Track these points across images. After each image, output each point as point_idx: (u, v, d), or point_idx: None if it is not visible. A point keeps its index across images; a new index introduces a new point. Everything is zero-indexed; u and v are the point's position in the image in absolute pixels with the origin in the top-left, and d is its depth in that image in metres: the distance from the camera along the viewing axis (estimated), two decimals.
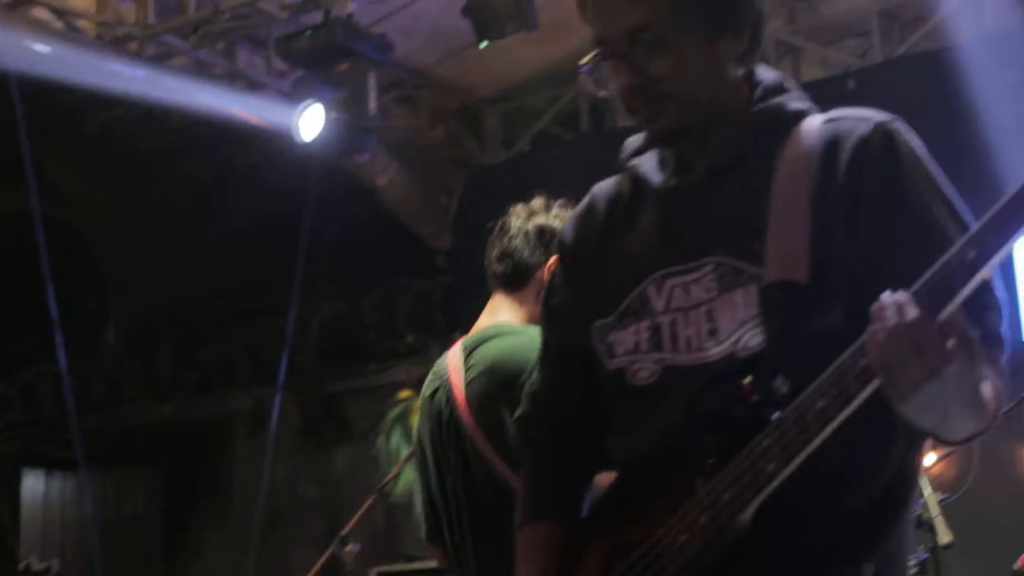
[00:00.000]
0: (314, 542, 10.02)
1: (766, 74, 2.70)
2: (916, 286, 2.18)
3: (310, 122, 8.10)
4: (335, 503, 11.29)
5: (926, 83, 8.35)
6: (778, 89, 2.68)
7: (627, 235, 2.73)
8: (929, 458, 6.83)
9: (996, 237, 2.14)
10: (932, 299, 2.17)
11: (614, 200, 2.79)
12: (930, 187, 2.51)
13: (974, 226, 2.19)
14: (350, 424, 11.69)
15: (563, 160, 9.55)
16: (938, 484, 7.71)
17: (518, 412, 2.95)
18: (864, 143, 2.52)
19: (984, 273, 2.15)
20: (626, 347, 2.67)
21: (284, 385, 9.74)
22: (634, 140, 2.78)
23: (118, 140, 10.05)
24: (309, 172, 8.66)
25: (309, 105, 8.07)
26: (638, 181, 2.75)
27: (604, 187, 2.84)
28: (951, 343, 2.15)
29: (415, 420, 5.16)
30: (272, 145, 8.83)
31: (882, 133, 2.53)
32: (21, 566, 9.32)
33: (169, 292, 11.70)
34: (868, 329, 2.22)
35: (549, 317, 2.90)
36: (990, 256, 2.15)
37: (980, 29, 8.86)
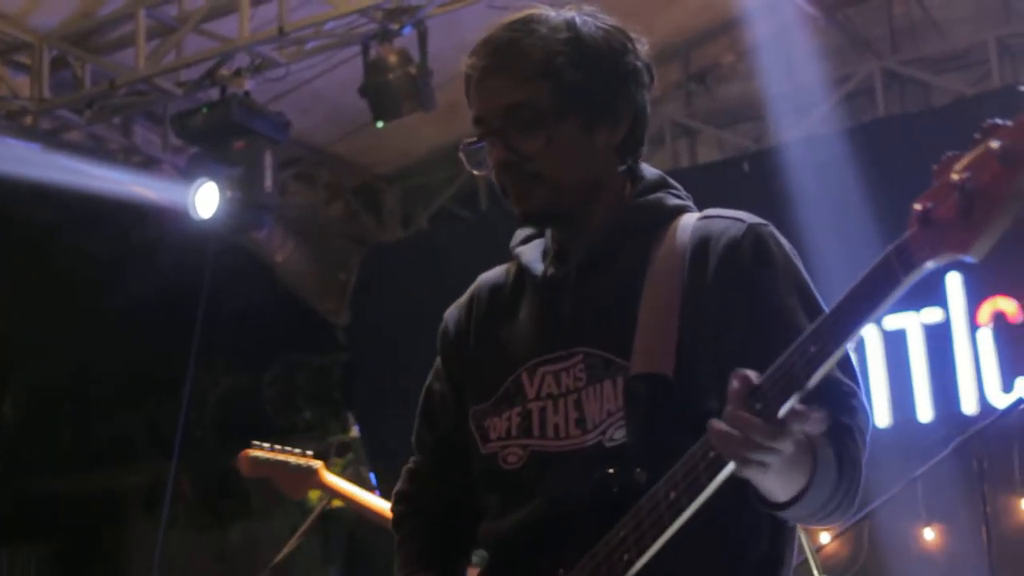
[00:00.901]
0: None
1: (649, 171, 2.75)
2: (763, 378, 2.23)
3: (206, 199, 8.09)
4: None
5: (817, 166, 8.48)
6: (658, 185, 2.73)
7: (507, 322, 2.78)
8: (823, 537, 6.92)
9: (834, 334, 2.18)
10: (776, 392, 2.20)
11: (499, 288, 2.84)
12: (794, 290, 2.56)
13: (813, 323, 2.24)
14: (247, 499, 11.61)
15: (461, 238, 9.59)
16: (832, 564, 7.80)
17: (397, 487, 2.97)
18: (735, 245, 2.57)
19: (827, 366, 2.20)
20: (498, 432, 2.71)
21: (180, 460, 9.65)
22: (524, 230, 2.83)
23: (15, 213, 9.97)
24: (206, 248, 8.64)
25: (204, 182, 8.07)
26: (521, 269, 2.79)
27: (490, 276, 2.90)
28: (784, 434, 2.20)
29: (314, 497, 5.57)
30: (169, 220, 8.80)
31: (753, 237, 2.58)
32: None
33: (67, 365, 11.61)
34: (710, 423, 2.26)
35: (429, 403, 2.93)
36: (831, 351, 2.19)
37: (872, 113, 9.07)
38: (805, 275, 2.59)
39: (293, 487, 5.43)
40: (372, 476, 5.75)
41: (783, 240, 2.61)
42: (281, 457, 5.37)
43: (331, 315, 10.59)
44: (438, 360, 2.93)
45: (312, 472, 5.35)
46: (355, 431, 6.05)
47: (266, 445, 5.43)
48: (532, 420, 2.67)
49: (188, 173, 8.19)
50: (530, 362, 2.69)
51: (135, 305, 10.45)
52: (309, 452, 5.45)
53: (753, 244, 2.57)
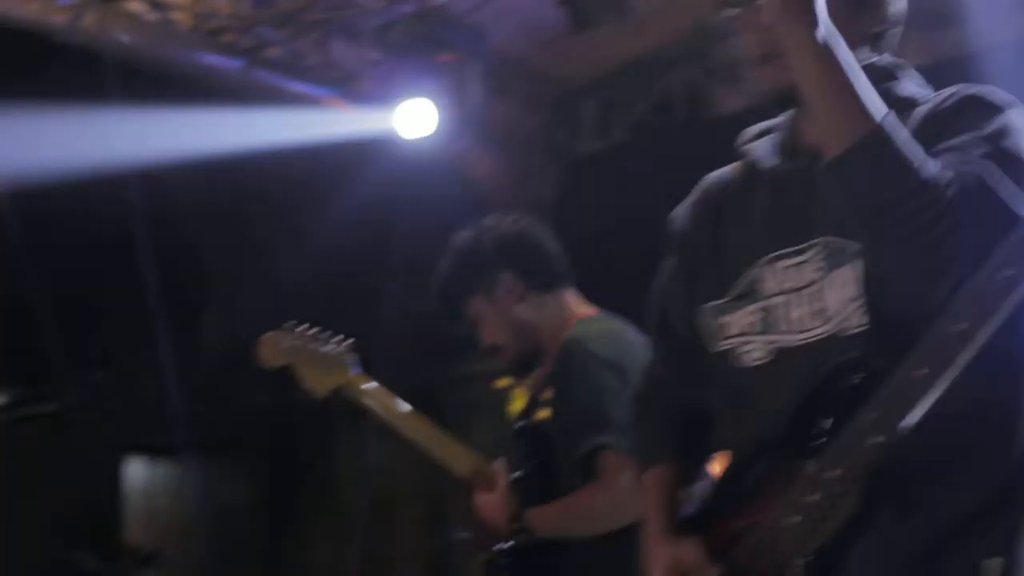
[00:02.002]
0: (417, 528, 10.07)
1: (884, 58, 2.75)
2: None
3: (409, 115, 8.09)
4: (437, 488, 11.33)
5: None
6: (888, 74, 2.70)
7: (741, 219, 2.81)
8: None
9: None
10: None
11: (726, 187, 2.90)
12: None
13: None
14: (444, 414, 11.69)
15: (659, 149, 9.49)
16: None
17: (633, 390, 3.07)
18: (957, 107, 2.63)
19: None
20: (738, 329, 2.76)
21: (383, 372, 9.74)
22: (752, 128, 2.90)
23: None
24: (408, 165, 8.66)
25: (407, 98, 8.06)
26: (751, 166, 2.83)
27: (716, 175, 2.97)
28: None
29: (516, 408, 5.24)
30: (369, 138, 8.84)
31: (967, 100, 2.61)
32: (129, 551, 9.42)
33: (267, 287, 11.78)
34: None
35: (660, 303, 3.00)
36: None
37: None
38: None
39: (317, 380, 4.77)
40: None
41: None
42: (309, 344, 4.77)
43: None
44: (666, 261, 2.96)
45: (341, 367, 4.72)
46: None
47: (299, 328, 4.82)
48: (774, 314, 2.70)
49: (388, 89, 8.18)
50: (768, 256, 2.72)
51: (336, 224, 10.55)
52: (349, 342, 4.83)
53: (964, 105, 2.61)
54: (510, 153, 10.11)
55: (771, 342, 2.67)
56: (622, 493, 3.79)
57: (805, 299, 2.62)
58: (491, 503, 4.05)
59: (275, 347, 4.75)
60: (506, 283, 4.26)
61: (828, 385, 2.49)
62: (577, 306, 4.33)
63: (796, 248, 2.67)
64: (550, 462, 4.07)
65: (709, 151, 3.04)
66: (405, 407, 4.63)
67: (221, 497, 12.70)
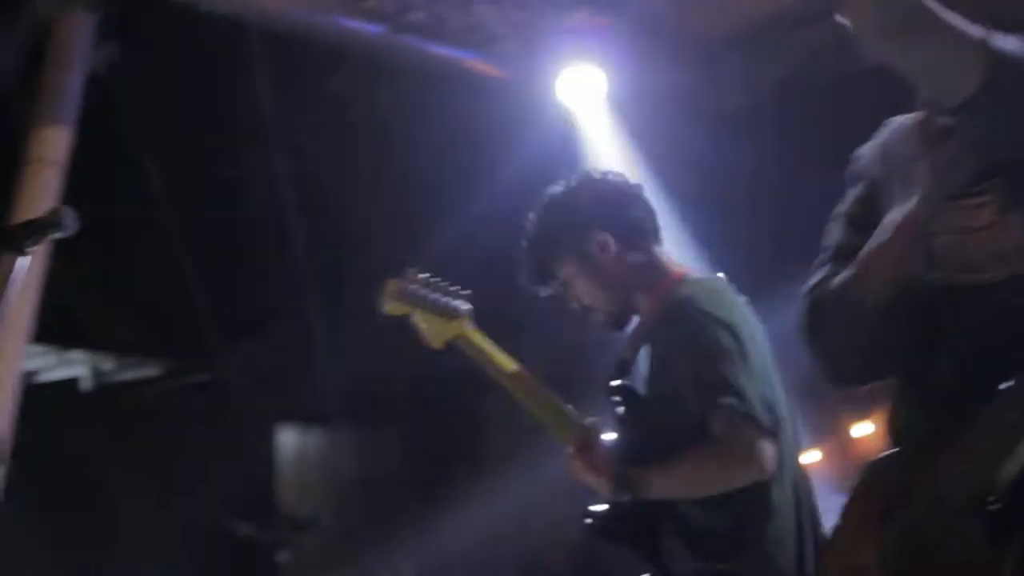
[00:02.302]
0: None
1: None
2: None
3: (562, 77, 8.06)
4: None
5: None
6: None
7: (918, 161, 2.81)
8: None
9: None
10: None
11: (908, 131, 2.90)
12: None
13: None
14: (598, 374, 11.65)
15: (806, 103, 9.37)
16: None
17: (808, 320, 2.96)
18: None
19: None
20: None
21: (527, 337, 9.76)
22: None
23: (358, 98, 10.13)
24: (554, 127, 8.62)
25: (561, 60, 8.03)
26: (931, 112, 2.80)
27: (899, 119, 2.98)
28: None
29: None
30: (511, 100, 8.82)
31: None
32: (284, 518, 9.50)
33: (408, 248, 11.82)
34: None
35: (846, 221, 2.98)
36: None
37: None
38: None
39: (433, 331, 4.56)
40: None
41: None
42: (431, 294, 4.56)
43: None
44: (850, 190, 2.97)
45: (456, 319, 4.52)
46: None
47: (421, 276, 4.61)
48: (952, 253, 2.68)
49: (535, 51, 8.15)
50: (945, 195, 2.71)
51: (486, 186, 10.54)
52: (465, 292, 4.66)
53: None
54: (655, 113, 10.03)
55: (950, 279, 2.64)
56: (740, 455, 3.71)
57: (980, 240, 2.61)
58: (592, 463, 3.95)
59: (396, 294, 4.58)
60: (601, 242, 4.12)
61: (1009, 326, 2.45)
62: (672, 265, 4.21)
63: (972, 189, 2.64)
64: (651, 422, 3.96)
65: (857, 105, 3.03)
66: (514, 365, 4.45)
67: (372, 465, 12.78)
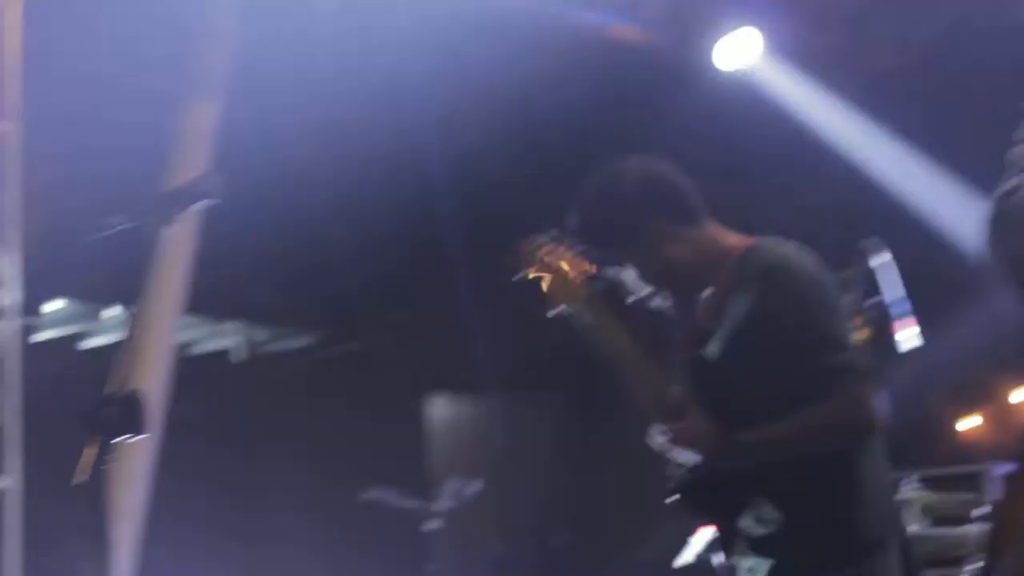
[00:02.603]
0: None
1: None
2: None
3: (731, 45, 7.97)
4: None
5: None
6: None
7: None
8: None
9: None
10: None
11: None
12: None
13: None
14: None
15: (960, 61, 9.14)
16: None
17: None
18: None
19: None
20: None
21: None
22: None
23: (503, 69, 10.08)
24: (719, 96, 8.52)
25: (732, 27, 7.94)
26: None
27: None
28: None
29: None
30: (668, 65, 8.76)
31: None
32: (435, 488, 9.51)
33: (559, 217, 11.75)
34: None
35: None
36: None
37: None
38: None
39: (556, 293, 4.51)
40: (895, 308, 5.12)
41: None
42: (561, 256, 4.48)
43: None
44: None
45: (578, 284, 4.42)
46: (876, 260, 5.08)
47: (552, 239, 4.54)
48: None
49: (688, 15, 8.04)
50: None
51: (634, 151, 10.43)
52: (590, 257, 4.47)
53: None
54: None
55: None
56: (861, 409, 3.64)
57: None
58: (685, 430, 3.86)
59: (531, 254, 4.59)
60: (654, 227, 4.02)
61: None
62: (726, 235, 4.08)
63: None
64: (739, 387, 3.82)
65: (1005, 65, 2.89)
66: (624, 336, 4.37)
67: (523, 434, 12.77)
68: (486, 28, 8.29)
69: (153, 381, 7.67)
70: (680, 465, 3.87)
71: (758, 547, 3.74)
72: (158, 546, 7.85)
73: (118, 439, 2.79)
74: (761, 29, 8.02)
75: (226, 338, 11.99)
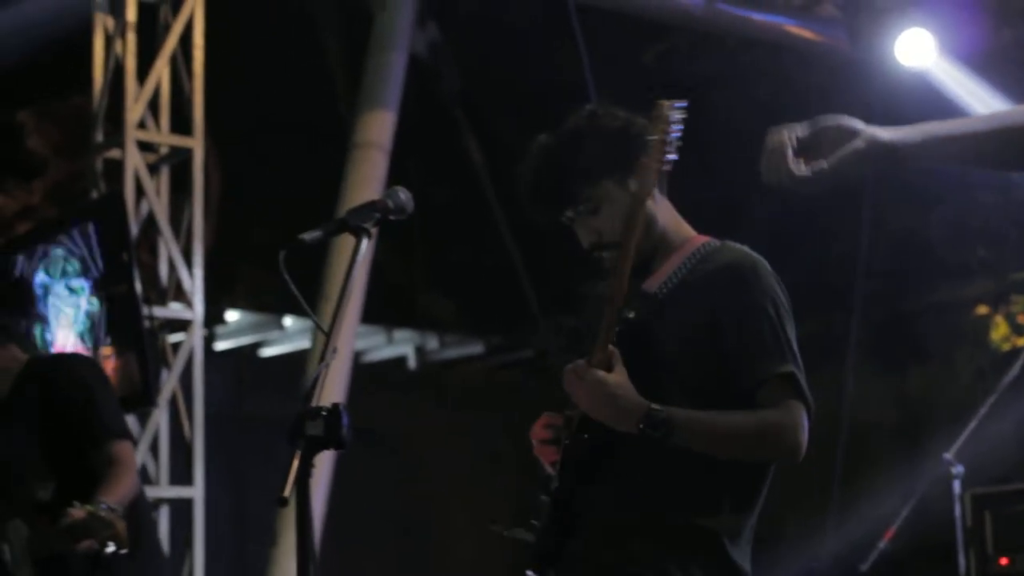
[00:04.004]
0: (892, 462, 9.85)
1: None
2: None
3: (908, 44, 7.85)
4: (912, 424, 11.04)
5: None
6: None
7: None
8: None
9: None
10: None
11: None
12: None
13: None
14: (923, 343, 11.38)
15: None
16: None
17: None
18: None
19: None
20: None
21: (853, 306, 9.58)
22: None
23: (675, 67, 10.07)
24: (874, 91, 8.39)
25: (907, 26, 7.81)
26: None
27: None
28: None
29: (996, 336, 4.64)
30: (833, 63, 8.64)
31: None
32: None
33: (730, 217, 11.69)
34: None
35: None
36: None
37: None
38: None
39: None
40: None
41: None
42: None
43: None
44: None
45: None
46: None
47: None
48: None
49: (859, 14, 7.95)
50: None
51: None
52: None
53: None
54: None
55: None
56: (791, 430, 3.33)
57: None
58: (618, 382, 3.50)
59: None
60: (648, 167, 3.53)
61: None
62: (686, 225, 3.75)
63: None
64: (665, 373, 3.46)
65: None
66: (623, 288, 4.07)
67: None
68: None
69: (333, 390, 7.77)
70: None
71: None
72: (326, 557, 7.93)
73: (320, 452, 2.81)
74: (935, 29, 7.88)
75: (400, 346, 12.10)
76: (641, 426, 3.22)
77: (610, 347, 3.29)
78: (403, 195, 3.29)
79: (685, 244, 3.49)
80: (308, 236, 3.23)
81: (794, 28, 8.54)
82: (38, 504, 4.29)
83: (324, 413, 2.87)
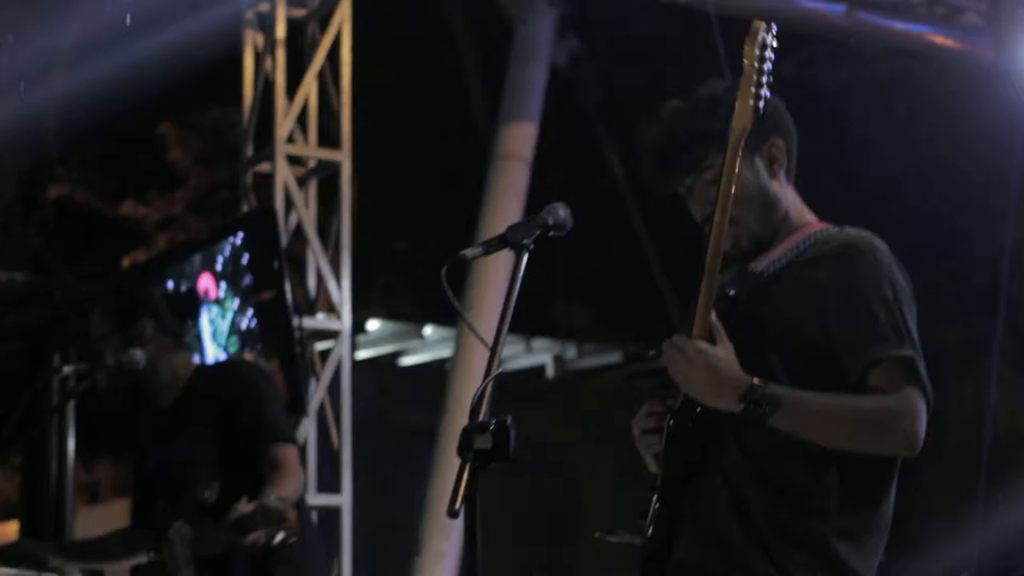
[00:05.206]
0: None
1: None
2: None
3: None
4: None
5: None
6: None
7: None
8: None
9: None
10: None
11: None
12: None
13: None
14: None
15: None
16: None
17: None
18: None
19: None
20: None
21: (1000, 314, 9.45)
22: None
23: (816, 76, 10.03)
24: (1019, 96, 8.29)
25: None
26: None
27: None
28: None
29: None
30: (972, 71, 8.56)
31: None
32: None
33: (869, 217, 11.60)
34: None
35: None
36: None
37: None
38: None
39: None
40: None
41: None
42: None
43: None
44: None
45: None
46: None
47: None
48: None
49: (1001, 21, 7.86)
50: None
51: (936, 157, 10.28)
52: None
53: None
54: None
55: None
56: (907, 418, 3.09)
57: None
58: (724, 356, 3.33)
59: None
60: (777, 148, 3.33)
61: None
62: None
63: None
64: (773, 353, 3.27)
65: None
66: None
67: None
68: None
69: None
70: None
71: None
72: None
73: (488, 466, 2.83)
74: None
75: (539, 355, 12.15)
76: (743, 402, 3.05)
77: (713, 318, 3.13)
78: (563, 211, 3.25)
79: (803, 228, 3.32)
80: (470, 252, 3.21)
81: (936, 36, 8.47)
82: (202, 505, 4.37)
83: (492, 427, 2.84)
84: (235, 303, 6.79)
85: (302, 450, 7.06)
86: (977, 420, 9.48)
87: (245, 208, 7.36)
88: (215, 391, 4.56)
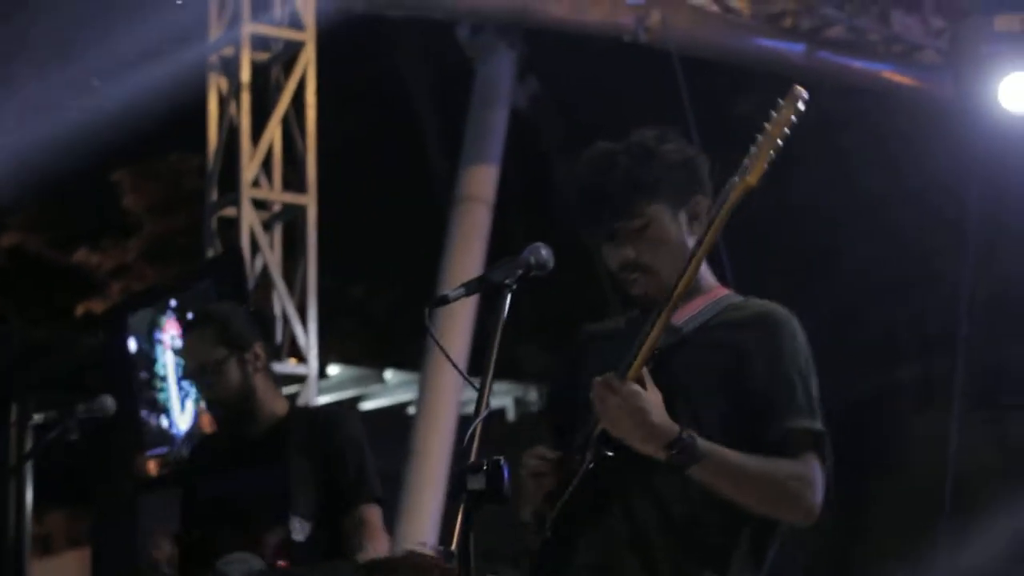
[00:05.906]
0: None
1: None
2: None
3: (1014, 89, 7.81)
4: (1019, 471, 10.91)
5: None
6: None
7: None
8: None
9: None
10: None
11: None
12: None
13: None
14: None
15: None
16: None
17: None
18: None
19: None
20: None
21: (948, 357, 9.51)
22: None
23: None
24: (977, 135, 8.35)
25: (1012, 71, 7.78)
26: None
27: None
28: None
29: None
30: (933, 108, 8.61)
31: None
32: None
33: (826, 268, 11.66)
34: None
35: None
36: None
37: None
38: None
39: None
40: None
41: None
42: None
43: None
44: None
45: None
46: None
47: None
48: None
49: (960, 59, 7.91)
50: None
51: (901, 194, 10.31)
52: None
53: None
54: None
55: None
56: (810, 491, 3.19)
57: None
58: (650, 398, 3.43)
59: None
60: (701, 205, 3.34)
61: None
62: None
63: None
64: (675, 398, 3.33)
65: None
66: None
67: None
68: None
69: (441, 442, 7.83)
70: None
71: None
72: None
73: (482, 506, 2.82)
74: None
75: (499, 397, 12.13)
76: (669, 450, 3.10)
77: (644, 368, 3.18)
78: (544, 251, 3.24)
79: (714, 290, 3.38)
80: (452, 293, 3.21)
81: (895, 74, 8.54)
82: (287, 543, 4.31)
83: (485, 467, 2.83)
84: None
85: None
86: (937, 459, 9.52)
87: (211, 253, 7.33)
88: (322, 435, 4.43)
